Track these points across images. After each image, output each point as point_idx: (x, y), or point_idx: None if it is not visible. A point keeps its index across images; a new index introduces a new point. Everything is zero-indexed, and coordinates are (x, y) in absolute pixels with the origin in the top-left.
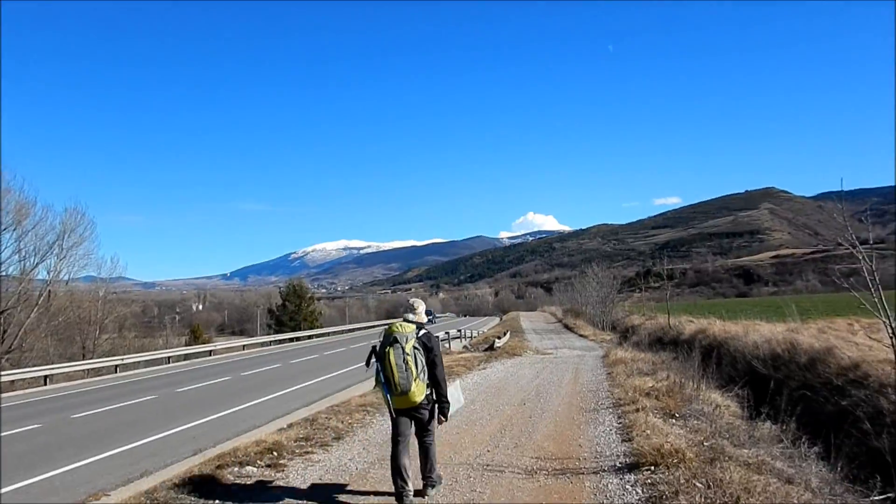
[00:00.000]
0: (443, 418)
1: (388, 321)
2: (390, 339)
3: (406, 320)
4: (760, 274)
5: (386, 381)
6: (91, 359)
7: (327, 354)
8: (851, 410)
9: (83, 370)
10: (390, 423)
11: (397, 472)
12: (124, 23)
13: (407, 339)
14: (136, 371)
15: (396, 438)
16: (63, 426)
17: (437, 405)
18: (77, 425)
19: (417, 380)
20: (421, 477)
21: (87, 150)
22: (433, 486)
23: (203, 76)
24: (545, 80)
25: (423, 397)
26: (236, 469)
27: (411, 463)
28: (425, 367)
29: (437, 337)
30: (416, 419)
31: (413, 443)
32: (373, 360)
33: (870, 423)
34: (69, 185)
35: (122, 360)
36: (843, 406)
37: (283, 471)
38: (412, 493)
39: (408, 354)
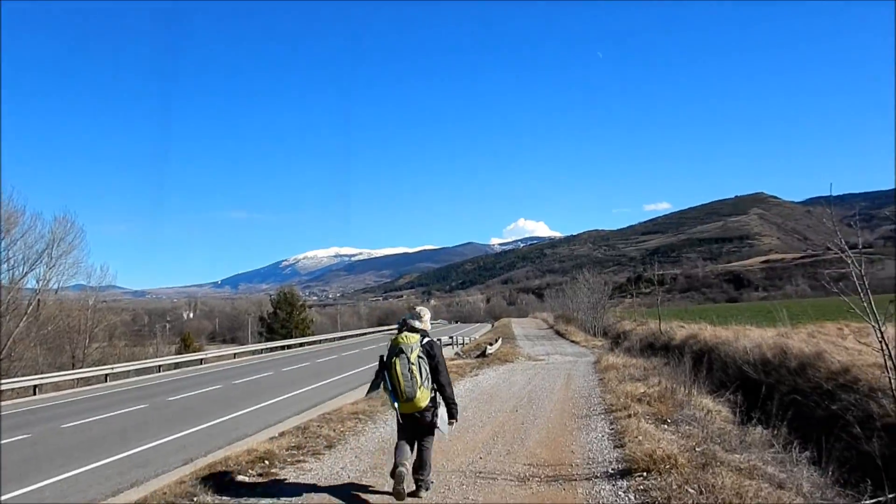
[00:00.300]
0: (453, 420)
1: (380, 328)
2: (396, 349)
3: (412, 328)
4: (750, 279)
5: (393, 389)
6: (80, 368)
7: (319, 362)
8: (842, 415)
9: (73, 379)
10: (396, 425)
11: (398, 453)
12: (110, 28)
13: (412, 350)
14: (127, 380)
15: (401, 436)
16: (53, 436)
17: (446, 408)
18: (67, 435)
19: (422, 387)
20: (414, 478)
21: (76, 158)
22: (426, 489)
23: (191, 83)
24: (535, 86)
25: (427, 402)
26: (227, 479)
27: (412, 455)
28: (429, 375)
29: (440, 344)
30: (417, 423)
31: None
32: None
33: (860, 427)
34: (59, 193)
35: (112, 368)
36: (834, 410)
37: (275, 480)
38: (406, 473)
39: (413, 364)
